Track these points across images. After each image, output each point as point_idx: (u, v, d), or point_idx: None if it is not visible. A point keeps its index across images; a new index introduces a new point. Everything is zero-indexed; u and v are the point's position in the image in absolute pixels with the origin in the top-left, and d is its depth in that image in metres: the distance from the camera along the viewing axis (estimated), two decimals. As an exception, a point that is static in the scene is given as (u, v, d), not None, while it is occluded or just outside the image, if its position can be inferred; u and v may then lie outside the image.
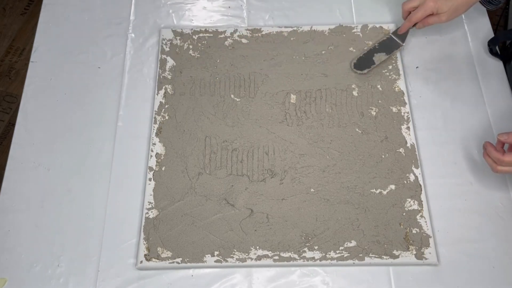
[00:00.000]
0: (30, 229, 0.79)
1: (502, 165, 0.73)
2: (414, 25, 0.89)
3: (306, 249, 0.76)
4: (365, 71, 0.90)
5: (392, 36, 0.92)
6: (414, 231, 0.78)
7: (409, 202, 0.80)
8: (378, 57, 0.91)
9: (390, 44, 0.92)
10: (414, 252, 0.76)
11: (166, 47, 0.95)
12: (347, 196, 0.81)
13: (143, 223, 0.79)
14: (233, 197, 0.81)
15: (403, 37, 0.91)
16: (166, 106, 0.89)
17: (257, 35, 0.96)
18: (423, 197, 0.80)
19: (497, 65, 0.93)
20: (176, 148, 0.85)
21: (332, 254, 0.76)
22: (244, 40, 0.96)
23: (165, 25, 0.99)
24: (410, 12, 0.88)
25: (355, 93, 0.90)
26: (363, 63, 0.91)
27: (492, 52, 0.93)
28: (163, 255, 0.76)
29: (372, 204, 0.80)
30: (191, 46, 0.95)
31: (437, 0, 0.84)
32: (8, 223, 0.80)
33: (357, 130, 0.86)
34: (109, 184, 0.83)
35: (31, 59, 0.95)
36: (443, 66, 0.94)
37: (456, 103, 0.90)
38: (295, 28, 0.97)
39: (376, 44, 0.92)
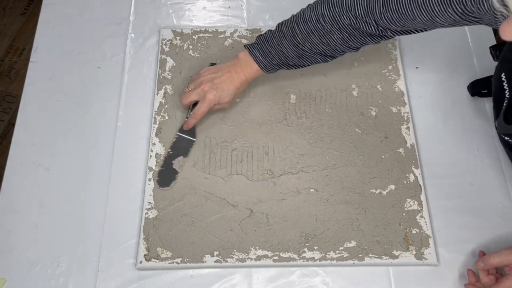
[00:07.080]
0: (30, 229, 0.79)
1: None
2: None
3: (306, 249, 0.76)
4: (172, 184, 0.81)
5: (180, 134, 0.84)
6: (414, 231, 0.78)
7: (409, 202, 0.80)
8: (178, 163, 0.82)
9: (182, 144, 0.84)
10: (414, 253, 0.76)
11: (166, 47, 0.95)
12: (347, 196, 0.80)
13: (142, 223, 0.78)
14: (233, 197, 0.80)
15: (192, 132, 0.84)
16: (166, 106, 0.89)
17: (257, 35, 0.96)
18: (423, 197, 0.80)
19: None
20: (176, 148, 0.85)
21: (332, 254, 0.76)
22: (244, 40, 0.96)
23: (165, 25, 0.99)
24: (190, 106, 0.84)
25: (355, 93, 0.90)
26: (167, 176, 0.81)
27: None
28: (162, 255, 0.76)
29: (372, 204, 0.80)
30: (191, 46, 0.95)
31: (215, 91, 0.80)
32: (8, 223, 0.80)
33: (357, 130, 0.86)
34: (109, 184, 0.83)
35: (31, 59, 0.95)
36: (443, 66, 0.94)
37: (456, 104, 0.90)
38: (295, 28, 0.96)
39: (169, 150, 0.83)
